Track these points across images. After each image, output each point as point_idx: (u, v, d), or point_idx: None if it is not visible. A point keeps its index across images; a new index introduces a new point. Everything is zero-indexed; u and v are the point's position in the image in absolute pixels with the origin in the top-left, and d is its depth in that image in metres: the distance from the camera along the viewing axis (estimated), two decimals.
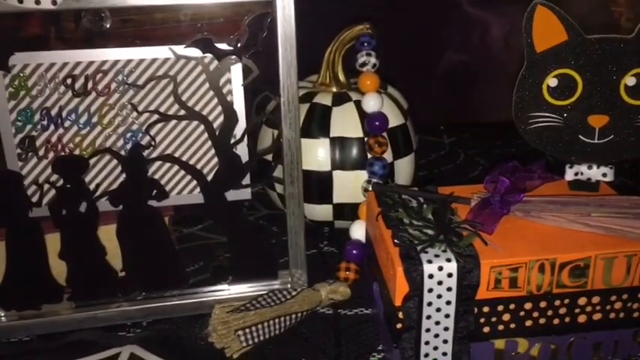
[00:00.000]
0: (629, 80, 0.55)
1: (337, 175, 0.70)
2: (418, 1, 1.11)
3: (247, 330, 0.56)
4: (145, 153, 0.59)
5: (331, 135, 0.70)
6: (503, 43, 1.13)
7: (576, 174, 0.59)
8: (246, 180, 0.61)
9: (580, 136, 0.57)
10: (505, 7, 1.12)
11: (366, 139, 0.69)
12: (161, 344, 0.59)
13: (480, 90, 1.15)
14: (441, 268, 0.49)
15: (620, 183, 0.88)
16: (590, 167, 0.59)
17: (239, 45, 0.57)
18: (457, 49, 1.14)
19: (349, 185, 0.70)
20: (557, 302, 0.52)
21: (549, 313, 0.52)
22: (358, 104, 0.71)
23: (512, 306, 0.52)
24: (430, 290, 0.50)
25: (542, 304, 0.52)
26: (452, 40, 1.13)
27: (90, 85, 0.56)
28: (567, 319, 0.53)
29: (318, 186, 0.71)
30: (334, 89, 0.74)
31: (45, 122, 0.56)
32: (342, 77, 0.75)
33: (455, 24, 1.12)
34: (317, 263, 0.70)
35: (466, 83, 1.15)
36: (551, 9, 0.54)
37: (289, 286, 0.64)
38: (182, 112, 0.58)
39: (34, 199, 0.58)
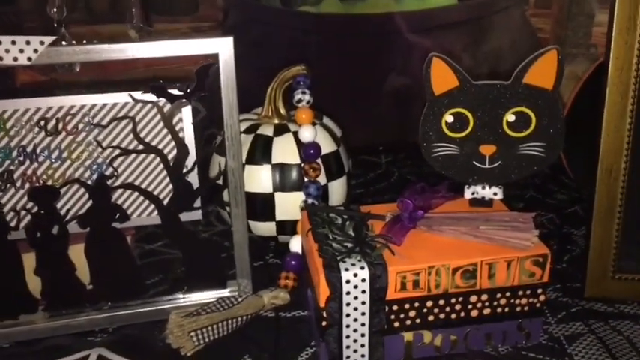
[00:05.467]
0: (510, 117, 0.67)
1: (278, 196, 0.81)
2: (361, 28, 1.22)
3: (199, 331, 0.66)
4: (109, 182, 0.68)
5: (273, 162, 0.80)
6: None
7: (473, 193, 0.71)
8: (197, 203, 0.71)
9: (474, 162, 0.69)
10: (441, 35, 1.24)
11: (302, 165, 0.80)
12: (125, 347, 0.68)
13: (417, 114, 1.27)
14: (356, 275, 0.60)
15: (530, 197, 1.01)
16: (483, 187, 0.70)
17: (188, 90, 0.67)
18: (399, 74, 1.25)
19: (289, 205, 0.81)
20: (453, 300, 0.63)
21: (447, 309, 0.64)
22: (296, 134, 0.81)
23: (416, 304, 0.63)
24: (348, 293, 0.60)
25: (441, 302, 0.63)
26: (394, 66, 1.24)
27: (60, 126, 0.66)
28: (462, 314, 0.64)
29: (263, 206, 0.81)
30: (275, 121, 0.85)
31: (21, 158, 0.66)
32: (282, 110, 0.86)
33: (397, 52, 1.23)
34: (262, 273, 0.80)
35: (404, 106, 1.26)
36: (445, 60, 0.66)
37: (236, 293, 0.74)
38: (140, 147, 0.68)
39: (13, 224, 0.67)
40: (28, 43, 0.60)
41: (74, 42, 0.63)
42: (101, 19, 1.33)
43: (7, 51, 0.60)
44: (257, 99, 0.87)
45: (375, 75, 1.24)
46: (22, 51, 0.61)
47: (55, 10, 0.74)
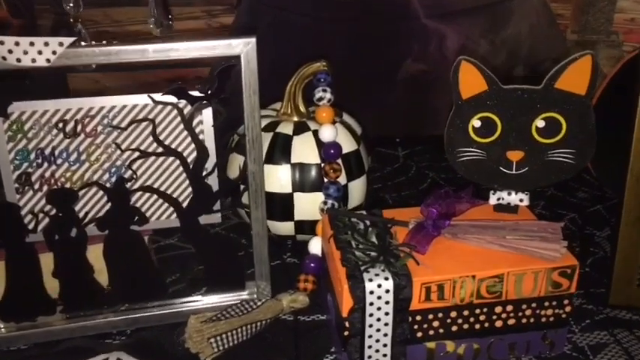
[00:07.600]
0: (539, 122, 0.65)
1: (298, 196, 0.79)
2: (375, 13, 1.19)
3: (218, 337, 0.66)
4: (128, 185, 0.67)
5: (292, 161, 0.79)
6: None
7: (498, 199, 0.69)
8: (217, 206, 0.70)
9: (500, 168, 0.67)
10: (457, 20, 1.21)
11: (322, 165, 0.79)
12: (143, 350, 0.67)
13: (434, 104, 1.25)
14: (379, 286, 0.59)
15: (551, 194, 1.00)
16: (509, 193, 0.69)
17: (209, 92, 0.65)
18: (414, 61, 1.22)
19: (308, 205, 0.80)
20: (478, 310, 0.62)
21: (471, 319, 0.63)
22: (316, 133, 0.80)
23: (440, 315, 0.62)
24: (371, 304, 0.59)
25: (465, 313, 0.62)
26: (408, 53, 1.21)
27: (79, 128, 0.64)
28: (486, 324, 0.63)
29: (281, 206, 0.80)
30: (295, 118, 0.83)
31: (39, 160, 0.65)
32: (302, 108, 0.84)
33: (411, 38, 1.20)
34: (280, 273, 0.79)
35: (422, 98, 1.24)
36: (474, 64, 0.64)
37: (255, 296, 0.73)
38: (160, 150, 0.67)
39: (30, 227, 0.66)
40: (46, 44, 0.59)
41: (93, 42, 0.61)
42: (115, 2, 1.32)
43: (26, 52, 0.59)
44: (269, 86, 0.84)
45: (389, 62, 1.22)
46: (40, 52, 0.59)
47: (71, 4, 0.73)
